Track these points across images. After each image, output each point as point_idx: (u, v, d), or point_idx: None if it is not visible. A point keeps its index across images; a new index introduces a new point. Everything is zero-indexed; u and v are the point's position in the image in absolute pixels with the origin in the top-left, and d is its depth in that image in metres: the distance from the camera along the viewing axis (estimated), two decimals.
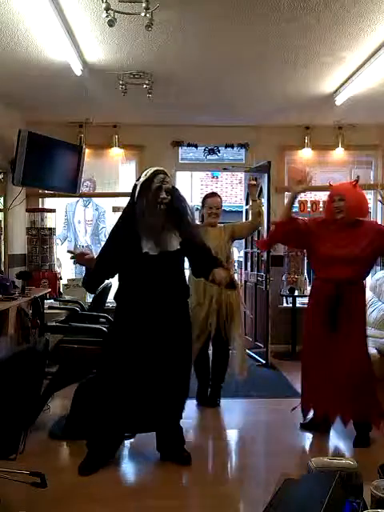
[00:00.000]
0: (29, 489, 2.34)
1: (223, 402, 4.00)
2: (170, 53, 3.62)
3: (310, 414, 3.42)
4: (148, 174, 2.78)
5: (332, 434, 3.38)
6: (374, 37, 3.31)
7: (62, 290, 5.48)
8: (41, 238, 5.44)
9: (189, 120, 5.51)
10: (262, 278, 5.27)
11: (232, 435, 3.58)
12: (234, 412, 3.94)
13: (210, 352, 4.00)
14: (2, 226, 5.05)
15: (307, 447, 3.34)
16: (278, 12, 2.98)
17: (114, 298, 2.94)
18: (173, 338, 2.79)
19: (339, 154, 5.76)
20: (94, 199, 6.27)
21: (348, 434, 3.25)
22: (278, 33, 3.27)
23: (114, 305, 2.97)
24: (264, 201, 5.18)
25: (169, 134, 5.69)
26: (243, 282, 5.91)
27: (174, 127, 5.66)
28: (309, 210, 5.83)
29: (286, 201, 3.56)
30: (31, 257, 5.46)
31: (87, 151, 5.54)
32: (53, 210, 5.69)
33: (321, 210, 5.82)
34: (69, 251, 3.22)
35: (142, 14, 2.55)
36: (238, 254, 7.60)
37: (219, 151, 5.84)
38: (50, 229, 5.53)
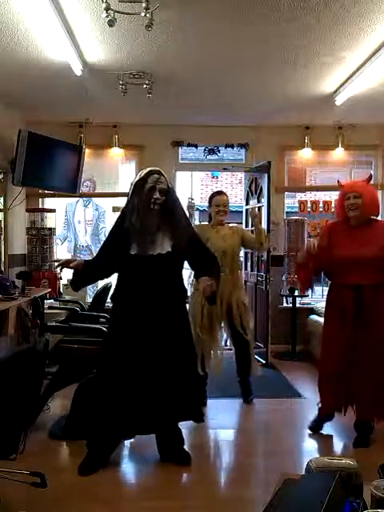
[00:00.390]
0: (29, 489, 2.34)
1: (223, 402, 4.01)
2: (170, 53, 3.62)
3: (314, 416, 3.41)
4: (142, 174, 2.78)
5: (332, 434, 3.39)
6: (374, 37, 3.31)
7: (61, 290, 5.47)
8: (41, 238, 5.44)
9: (189, 120, 5.51)
10: (262, 278, 5.27)
11: (232, 435, 3.58)
12: (233, 412, 3.94)
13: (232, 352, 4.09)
14: (2, 226, 5.05)
15: (307, 447, 3.34)
16: (277, 12, 2.98)
17: (111, 299, 2.96)
18: (168, 339, 2.77)
19: (339, 154, 5.76)
20: (94, 199, 6.28)
21: (348, 434, 3.25)
22: (278, 33, 3.28)
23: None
24: (264, 201, 5.19)
25: (169, 134, 5.69)
26: (243, 282, 5.90)
27: (174, 127, 5.66)
28: (309, 210, 5.83)
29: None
30: (31, 257, 5.45)
31: (87, 151, 5.55)
32: (53, 210, 5.70)
33: (321, 210, 5.84)
34: (55, 260, 3.20)
35: (142, 14, 2.55)
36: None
37: (219, 151, 5.83)
38: (50, 229, 5.53)
